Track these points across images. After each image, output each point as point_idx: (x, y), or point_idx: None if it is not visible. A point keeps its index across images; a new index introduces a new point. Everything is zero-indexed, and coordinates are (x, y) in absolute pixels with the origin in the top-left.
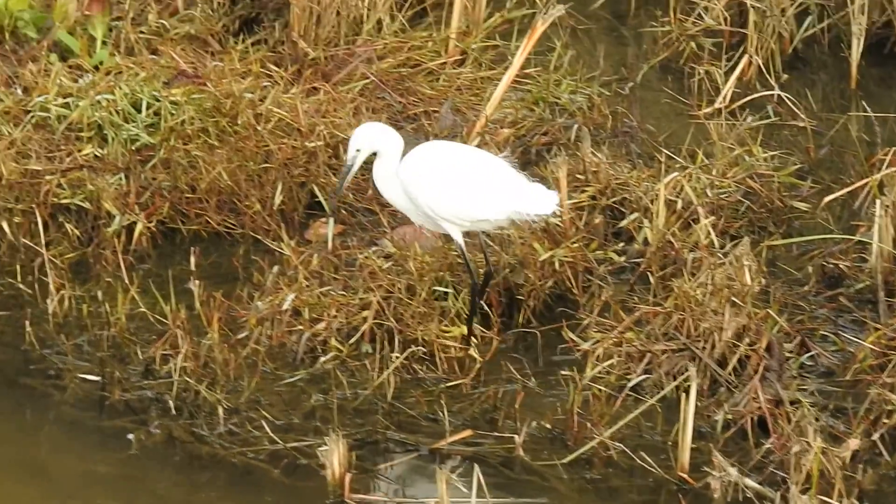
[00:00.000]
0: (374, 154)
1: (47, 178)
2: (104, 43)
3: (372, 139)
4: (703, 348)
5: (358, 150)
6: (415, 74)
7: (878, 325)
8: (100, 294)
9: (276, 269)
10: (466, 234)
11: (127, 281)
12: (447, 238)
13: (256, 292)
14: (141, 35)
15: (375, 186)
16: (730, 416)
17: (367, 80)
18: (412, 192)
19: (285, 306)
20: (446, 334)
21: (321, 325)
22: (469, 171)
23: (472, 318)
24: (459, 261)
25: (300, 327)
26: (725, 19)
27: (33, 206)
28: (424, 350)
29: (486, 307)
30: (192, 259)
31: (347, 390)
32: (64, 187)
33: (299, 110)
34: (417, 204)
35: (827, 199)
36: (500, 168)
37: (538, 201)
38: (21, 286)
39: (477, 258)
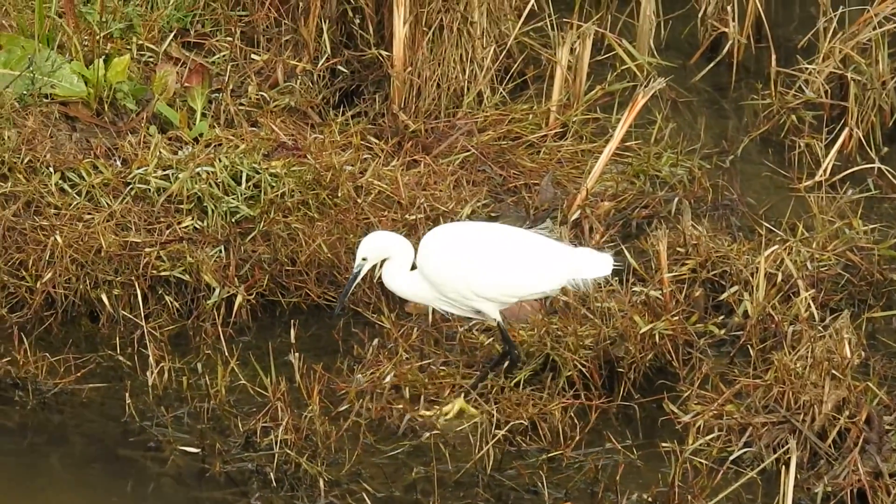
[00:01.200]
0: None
1: (147, 250)
2: (204, 115)
3: (379, 248)
4: (803, 421)
5: (364, 259)
6: (515, 147)
7: None
8: (199, 366)
9: (375, 341)
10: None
11: (227, 353)
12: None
13: (356, 365)
14: (241, 107)
15: (388, 287)
16: (829, 489)
17: (468, 153)
18: (444, 280)
19: (385, 381)
20: (549, 405)
21: (425, 411)
22: (512, 246)
23: (480, 381)
24: (559, 333)
25: (401, 405)
26: (826, 92)
27: (133, 278)
28: (526, 423)
29: (587, 378)
30: (293, 332)
31: (449, 463)
32: (163, 259)
33: (400, 183)
34: (453, 289)
35: None
36: (539, 239)
37: (593, 265)
38: (120, 358)
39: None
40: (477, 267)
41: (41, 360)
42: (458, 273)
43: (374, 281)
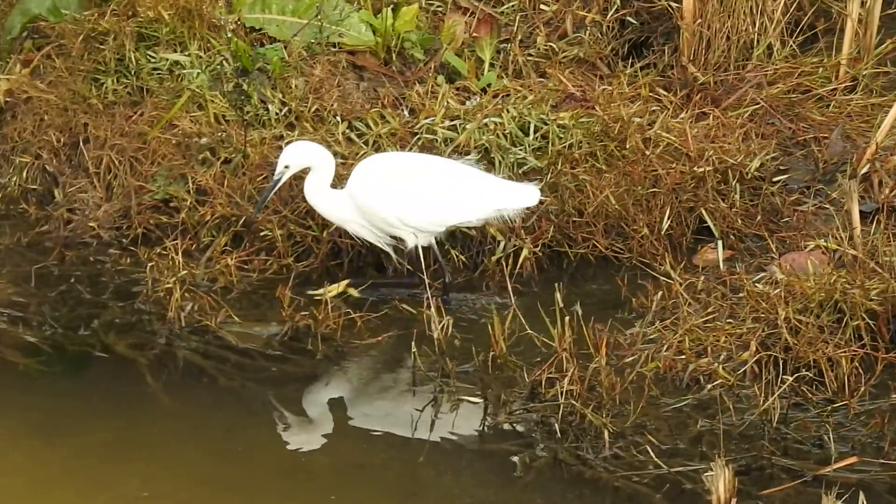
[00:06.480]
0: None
1: None
2: (492, 65)
3: (301, 157)
4: None
5: (286, 167)
6: (805, 100)
7: None
8: (484, 318)
9: (659, 294)
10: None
11: (513, 305)
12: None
13: (640, 318)
14: (529, 58)
15: (307, 200)
16: None
17: (757, 106)
18: (372, 205)
19: (664, 352)
20: (838, 351)
21: (704, 361)
22: (439, 177)
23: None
24: (847, 286)
25: (683, 356)
26: None
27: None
28: (813, 374)
29: (874, 331)
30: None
31: (734, 415)
32: None
33: (688, 135)
34: (380, 216)
35: None
36: (468, 170)
37: (520, 196)
38: (405, 307)
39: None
40: (407, 196)
41: (337, 316)
42: (389, 201)
43: (662, 233)
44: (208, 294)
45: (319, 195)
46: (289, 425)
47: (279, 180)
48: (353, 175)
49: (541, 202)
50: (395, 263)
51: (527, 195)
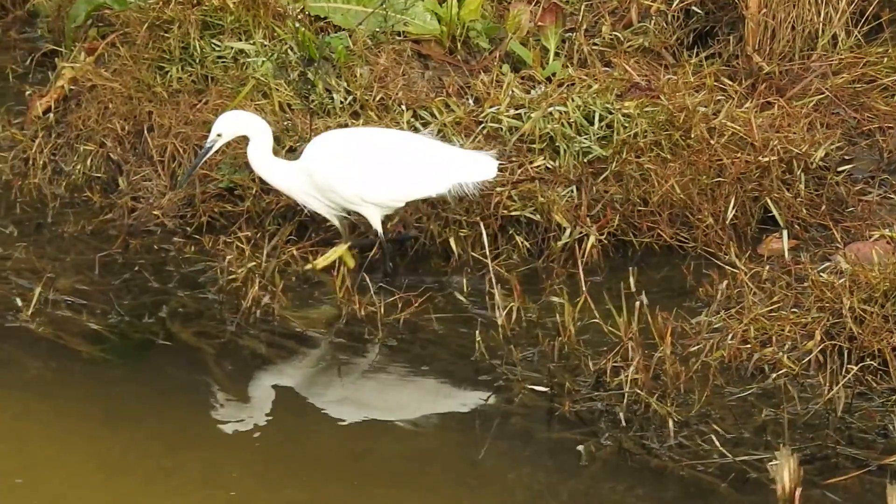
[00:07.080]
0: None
1: (498, 189)
2: (557, 54)
3: (234, 125)
4: None
5: (219, 135)
6: (869, 90)
7: None
8: (550, 306)
9: (724, 283)
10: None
11: (584, 291)
12: None
13: (706, 307)
14: (594, 47)
15: (253, 169)
16: None
17: (822, 96)
18: (329, 182)
19: (729, 341)
20: None
21: (769, 350)
22: (396, 151)
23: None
24: None
25: (748, 345)
26: None
27: (478, 218)
28: (877, 363)
29: None
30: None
31: (798, 405)
32: (514, 199)
33: (753, 125)
34: (337, 193)
35: None
36: (427, 143)
37: (479, 168)
38: (461, 298)
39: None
40: (365, 172)
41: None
42: (347, 177)
43: (727, 222)
44: (275, 282)
45: (263, 163)
46: (353, 413)
47: (210, 148)
48: (309, 151)
49: (604, 191)
50: (458, 254)
51: (485, 166)
